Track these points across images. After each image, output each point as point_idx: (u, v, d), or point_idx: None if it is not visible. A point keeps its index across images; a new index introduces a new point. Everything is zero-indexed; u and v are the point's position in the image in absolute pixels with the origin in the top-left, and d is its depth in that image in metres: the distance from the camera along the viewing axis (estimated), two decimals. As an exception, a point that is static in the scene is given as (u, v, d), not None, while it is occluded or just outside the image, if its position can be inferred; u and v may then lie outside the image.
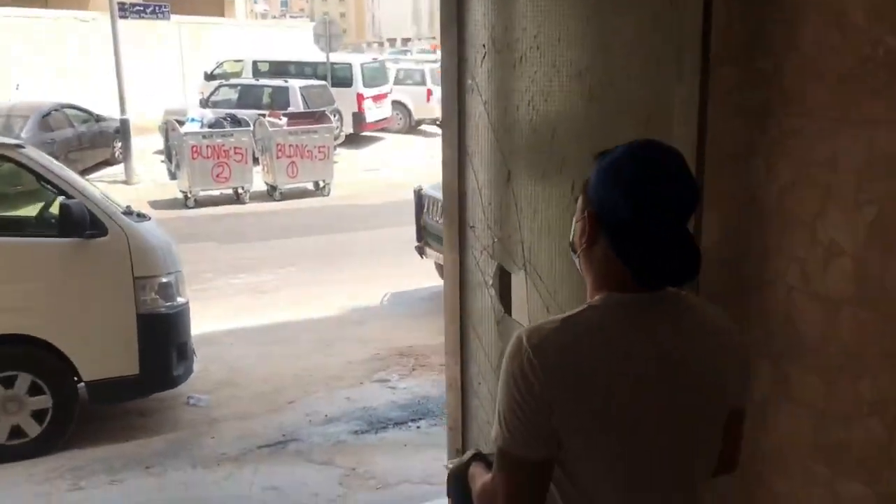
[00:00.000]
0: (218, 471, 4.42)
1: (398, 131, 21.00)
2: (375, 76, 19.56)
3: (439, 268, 8.14)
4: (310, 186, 14.64)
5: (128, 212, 5.24)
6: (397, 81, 21.10)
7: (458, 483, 1.66)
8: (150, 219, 5.53)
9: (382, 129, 20.29)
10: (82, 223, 4.71)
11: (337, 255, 10.03)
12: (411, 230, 10.87)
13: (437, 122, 22.24)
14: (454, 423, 3.23)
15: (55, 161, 5.53)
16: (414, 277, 8.93)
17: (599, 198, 1.38)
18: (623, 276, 1.36)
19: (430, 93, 20.97)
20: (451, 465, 1.78)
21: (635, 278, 1.36)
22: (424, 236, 7.86)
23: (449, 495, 1.75)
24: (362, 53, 36.39)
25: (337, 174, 14.91)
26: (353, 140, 19.01)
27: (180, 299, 5.21)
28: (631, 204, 1.33)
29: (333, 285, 8.77)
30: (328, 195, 14.51)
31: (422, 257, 8.10)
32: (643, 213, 1.32)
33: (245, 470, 4.41)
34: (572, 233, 1.48)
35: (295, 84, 16.93)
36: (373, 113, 19.08)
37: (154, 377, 5.04)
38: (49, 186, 4.96)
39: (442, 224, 7.08)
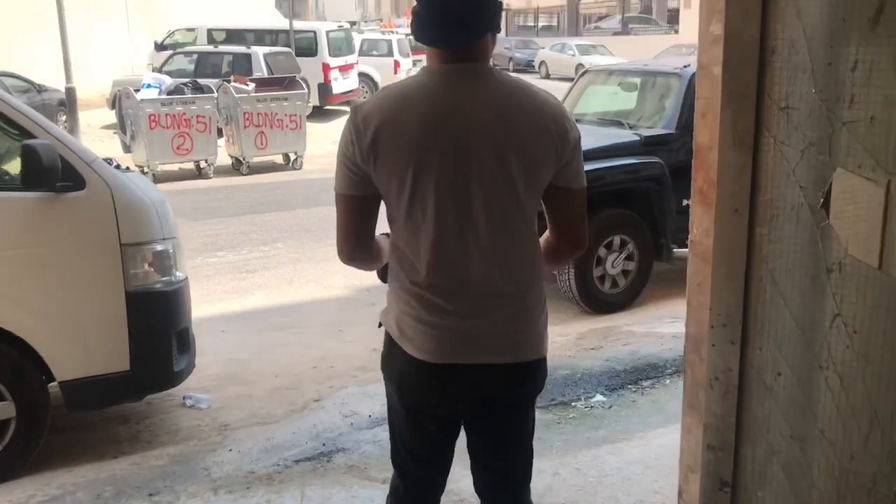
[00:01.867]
0: (250, 497, 3.30)
1: (364, 105, 19.78)
2: (341, 45, 18.30)
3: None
4: (278, 160, 13.40)
5: (108, 162, 4.04)
6: (362, 53, 19.87)
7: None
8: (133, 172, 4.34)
9: (349, 103, 19.06)
10: (52, 171, 3.50)
11: (324, 230, 8.87)
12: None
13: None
14: (719, 440, 2.19)
15: (11, 96, 4.25)
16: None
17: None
18: (431, 53, 1.82)
19: (397, 64, 19.80)
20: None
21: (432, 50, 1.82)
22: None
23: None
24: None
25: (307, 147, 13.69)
26: (319, 113, 17.74)
27: (179, 274, 4.04)
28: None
29: (326, 263, 7.62)
30: (300, 169, 13.28)
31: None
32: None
33: (287, 495, 3.30)
34: None
35: (258, 51, 15.61)
36: (339, 84, 17.84)
37: (149, 374, 3.87)
38: (7, 127, 3.73)
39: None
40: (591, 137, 6.23)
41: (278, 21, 18.46)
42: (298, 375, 5.02)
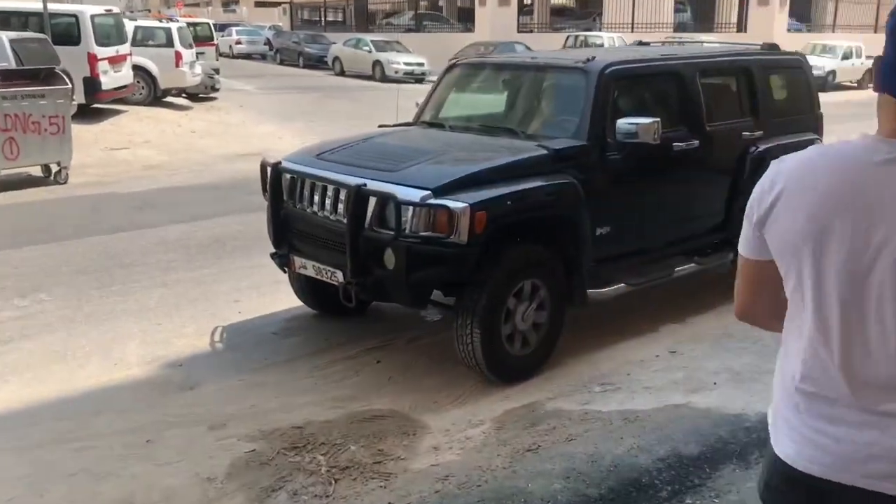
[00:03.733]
0: None
1: (139, 102, 17.07)
2: (110, 33, 15.51)
3: (308, 285, 5.33)
4: (36, 172, 10.74)
5: None
6: (136, 43, 17.09)
7: None
8: None
9: (121, 100, 16.30)
10: None
11: (107, 269, 6.73)
12: (210, 227, 7.87)
13: (185, 93, 18.59)
14: None
15: None
16: (247, 299, 6.00)
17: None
18: (883, 119, 1.43)
19: (179, 56, 17.27)
20: None
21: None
22: (288, 237, 4.99)
23: None
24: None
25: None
26: (86, 113, 14.87)
27: None
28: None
29: (113, 321, 5.59)
30: (65, 183, 10.68)
31: (285, 270, 5.21)
32: None
33: None
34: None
35: (3, 37, 12.61)
36: (110, 78, 15.09)
37: None
38: None
39: (326, 215, 4.36)
40: (485, 152, 4.74)
41: (29, 1, 15.32)
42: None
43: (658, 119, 4.81)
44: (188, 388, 4.64)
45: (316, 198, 4.70)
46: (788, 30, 29.17)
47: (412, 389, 4.58)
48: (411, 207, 4.22)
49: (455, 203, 4.16)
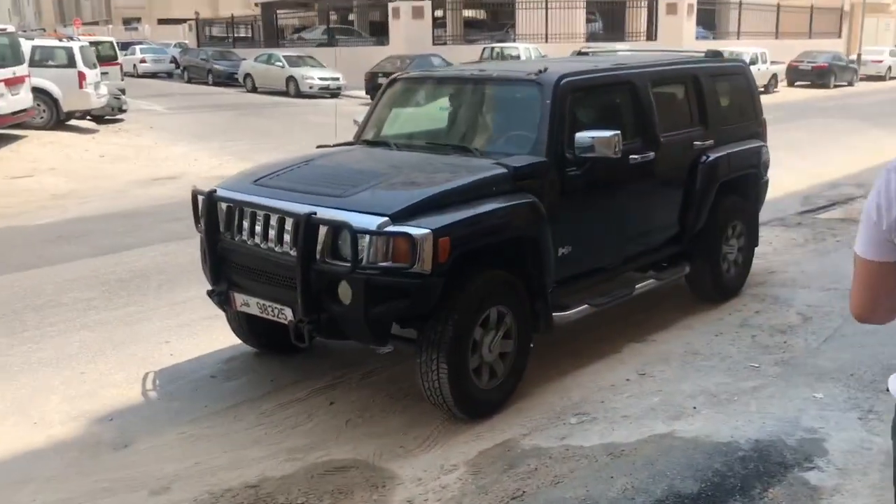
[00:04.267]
0: None
1: (41, 127, 16.11)
2: (5, 53, 14.57)
3: (249, 323, 4.90)
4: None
5: None
6: (34, 63, 16.13)
7: None
8: None
9: (20, 125, 15.33)
10: None
11: (19, 312, 6.11)
12: (130, 260, 7.33)
13: (90, 116, 17.64)
14: None
15: None
16: (179, 339, 5.51)
17: None
18: None
19: (83, 76, 16.39)
20: None
21: None
22: (227, 273, 4.55)
23: None
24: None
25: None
26: (-19, 139, 13.94)
27: None
28: None
29: (32, 372, 5.03)
30: (-38, 216, 9.86)
31: (224, 308, 4.76)
32: None
33: None
34: None
35: None
36: (7, 102, 14.16)
37: None
38: None
39: (271, 246, 3.97)
40: (441, 173, 4.43)
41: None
42: None
43: (618, 132, 4.59)
44: (122, 447, 4.14)
45: (258, 228, 4.28)
46: (696, 37, 29.94)
47: (374, 433, 4.20)
48: (368, 236, 3.85)
49: (416, 229, 3.82)
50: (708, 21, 33.61)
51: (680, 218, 5.70)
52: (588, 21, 30.80)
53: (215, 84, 30.19)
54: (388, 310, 3.96)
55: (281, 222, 4.16)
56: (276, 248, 4.19)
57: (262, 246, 4.27)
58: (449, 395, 4.08)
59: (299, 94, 25.83)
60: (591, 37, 29.74)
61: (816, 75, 29.85)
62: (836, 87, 29.91)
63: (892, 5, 47.04)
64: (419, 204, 4.00)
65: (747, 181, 6.22)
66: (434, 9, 30.13)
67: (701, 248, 5.80)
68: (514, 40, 28.68)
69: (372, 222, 3.87)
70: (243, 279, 4.47)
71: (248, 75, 28.24)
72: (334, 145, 5.36)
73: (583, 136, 4.56)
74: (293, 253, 4.06)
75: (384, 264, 3.85)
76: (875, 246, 1.71)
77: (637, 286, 5.33)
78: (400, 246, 3.82)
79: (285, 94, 26.30)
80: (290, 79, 26.49)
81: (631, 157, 5.03)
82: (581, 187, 4.76)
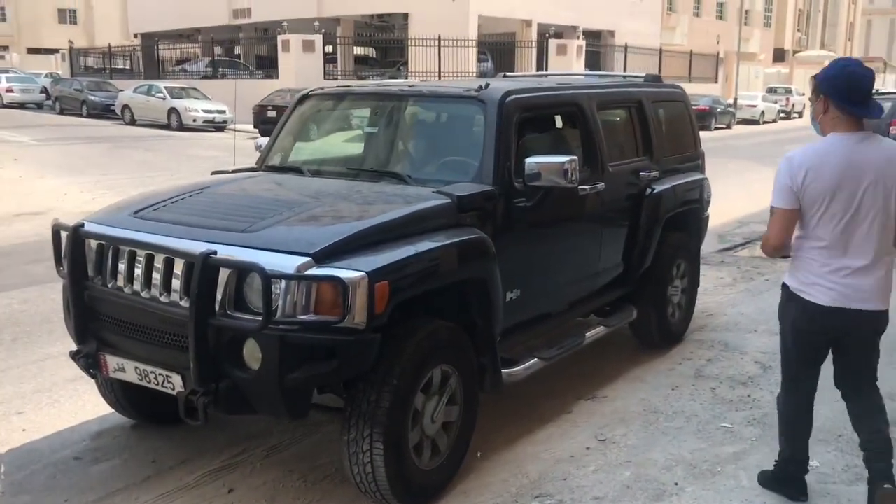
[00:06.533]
0: None
1: None
2: None
3: (124, 390, 3.93)
4: None
5: None
6: None
7: None
8: None
9: None
10: None
11: None
12: None
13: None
14: None
15: None
16: (34, 409, 4.45)
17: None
18: (838, 126, 2.97)
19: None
20: None
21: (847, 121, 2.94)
22: (96, 328, 3.57)
23: None
24: None
25: None
26: None
27: None
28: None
29: None
30: None
31: (92, 373, 3.75)
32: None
33: None
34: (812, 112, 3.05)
35: None
36: None
37: None
38: None
39: (154, 295, 3.07)
40: (372, 204, 3.66)
41: None
42: None
43: (575, 157, 3.94)
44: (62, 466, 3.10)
45: (137, 272, 3.35)
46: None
47: (288, 532, 3.31)
48: (283, 281, 3.01)
49: (347, 272, 3.01)
50: (594, 63, 34.26)
51: (625, 257, 5.11)
52: (479, 60, 30.79)
53: (90, 116, 28.25)
54: (310, 376, 3.10)
55: (168, 264, 3.25)
56: (162, 298, 3.27)
57: (142, 294, 3.34)
58: (384, 480, 3.25)
59: (182, 128, 24.44)
60: (482, 75, 29.68)
61: (698, 117, 30.71)
62: (716, 129, 30.89)
63: (761, 55, 50.20)
64: (348, 240, 3.19)
65: (690, 217, 5.72)
66: (324, 44, 29.41)
67: (647, 290, 5.24)
68: (406, 77, 28.26)
69: (289, 264, 3.03)
70: (117, 337, 3.51)
71: (126, 107, 26.53)
72: (233, 171, 4.49)
73: (534, 161, 3.88)
74: (184, 304, 3.17)
75: (305, 318, 3.02)
76: (789, 201, 3.00)
77: (587, 334, 4.68)
78: (326, 293, 3.00)
79: (167, 126, 24.81)
80: (173, 111, 25.04)
81: (580, 187, 4.39)
82: (530, 221, 4.08)
